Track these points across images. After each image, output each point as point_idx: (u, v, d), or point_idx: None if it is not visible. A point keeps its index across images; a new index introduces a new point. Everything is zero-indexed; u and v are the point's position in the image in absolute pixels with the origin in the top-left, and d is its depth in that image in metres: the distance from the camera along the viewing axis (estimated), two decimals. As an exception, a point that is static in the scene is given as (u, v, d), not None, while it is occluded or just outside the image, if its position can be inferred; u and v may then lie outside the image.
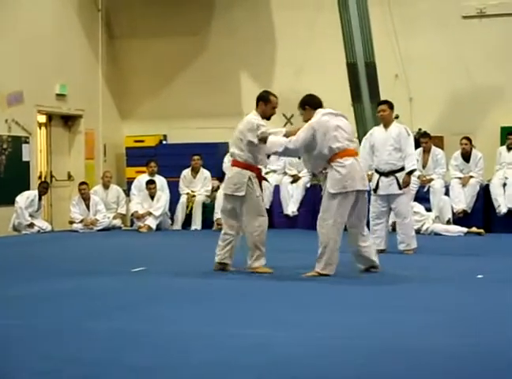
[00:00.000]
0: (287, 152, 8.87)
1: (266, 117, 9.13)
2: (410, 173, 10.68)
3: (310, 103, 8.85)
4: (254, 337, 5.50)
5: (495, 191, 13.97)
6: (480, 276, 8.40)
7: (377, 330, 5.80)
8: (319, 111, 8.67)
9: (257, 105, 9.15)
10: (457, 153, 14.49)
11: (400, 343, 5.37)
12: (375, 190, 10.71)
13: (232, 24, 16.82)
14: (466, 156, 14.39)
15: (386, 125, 10.73)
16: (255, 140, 8.88)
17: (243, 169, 8.92)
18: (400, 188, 10.60)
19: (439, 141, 15.15)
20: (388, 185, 10.63)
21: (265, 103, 9.08)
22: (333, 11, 14.99)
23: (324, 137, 8.47)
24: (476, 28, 15.48)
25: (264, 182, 9.56)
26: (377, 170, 10.75)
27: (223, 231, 9.07)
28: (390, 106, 10.77)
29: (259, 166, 9.04)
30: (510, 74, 15.17)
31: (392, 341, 5.42)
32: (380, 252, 10.16)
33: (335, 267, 8.46)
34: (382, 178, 10.65)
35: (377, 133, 10.85)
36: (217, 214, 14.85)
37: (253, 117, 9.05)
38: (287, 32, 16.53)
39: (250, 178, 8.88)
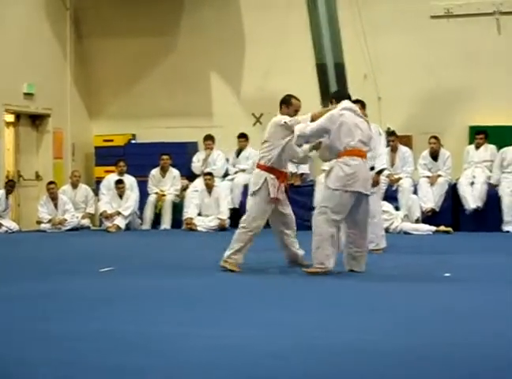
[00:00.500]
0: (299, 140, 8.86)
1: None
2: (380, 172, 10.74)
3: (336, 97, 9.04)
4: (221, 338, 5.49)
5: (463, 190, 14.06)
6: (447, 275, 8.45)
7: (341, 330, 5.82)
8: (342, 103, 8.74)
9: (280, 108, 9.20)
10: (426, 152, 14.59)
11: (364, 343, 5.39)
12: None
13: (201, 24, 16.79)
14: (434, 155, 14.48)
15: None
16: (285, 137, 8.89)
17: (262, 171, 9.02)
18: (372, 186, 10.60)
19: (408, 140, 15.23)
20: None
21: (288, 106, 9.13)
22: (302, 12, 15.02)
23: (339, 130, 8.54)
24: (444, 28, 15.56)
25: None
26: None
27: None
28: (363, 105, 10.76)
29: (283, 170, 9.09)
30: (478, 73, 15.26)
31: (355, 341, 5.43)
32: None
33: (333, 260, 8.48)
34: None
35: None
36: (187, 213, 14.86)
37: (278, 116, 9.13)
38: (256, 33, 16.53)
39: (265, 180, 8.97)
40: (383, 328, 5.85)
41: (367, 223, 8.86)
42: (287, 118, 8.93)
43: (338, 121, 8.54)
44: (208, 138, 15.69)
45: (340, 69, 14.88)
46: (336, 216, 8.51)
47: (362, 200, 8.63)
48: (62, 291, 7.64)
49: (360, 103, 10.81)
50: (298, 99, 9.21)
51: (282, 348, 5.18)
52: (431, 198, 14.09)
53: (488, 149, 14.44)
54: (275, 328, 5.86)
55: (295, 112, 9.09)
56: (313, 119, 8.79)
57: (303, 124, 8.77)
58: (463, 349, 5.16)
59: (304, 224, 14.40)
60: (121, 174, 15.37)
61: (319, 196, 8.69)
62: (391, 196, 14.01)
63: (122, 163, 15.41)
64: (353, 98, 14.71)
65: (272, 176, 8.96)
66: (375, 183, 10.62)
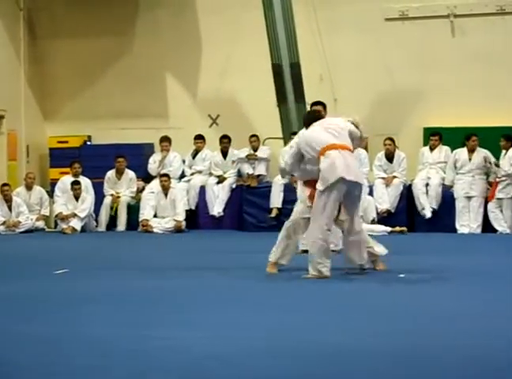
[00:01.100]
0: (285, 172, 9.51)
1: None
2: None
3: (304, 122, 8.96)
4: (173, 339, 5.47)
5: (418, 191, 14.17)
6: (402, 275, 8.49)
7: (300, 331, 5.82)
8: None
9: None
10: (381, 153, 14.68)
11: (324, 343, 5.40)
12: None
13: (157, 25, 16.73)
14: (390, 157, 14.58)
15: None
16: None
17: None
18: None
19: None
20: None
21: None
22: (258, 12, 15.04)
23: (308, 146, 8.51)
24: (399, 30, 15.67)
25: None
26: None
27: None
28: (324, 107, 10.80)
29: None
30: (432, 76, 15.39)
31: (314, 342, 5.45)
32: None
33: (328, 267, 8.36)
34: None
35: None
36: (143, 215, 14.79)
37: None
38: (212, 33, 16.50)
39: None
40: (347, 328, 5.87)
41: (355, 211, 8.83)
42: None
43: (303, 141, 8.57)
44: (165, 140, 15.63)
45: (295, 69, 14.92)
46: (326, 221, 8.45)
47: (351, 188, 8.48)
48: (17, 294, 7.55)
49: (323, 105, 10.88)
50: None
51: (226, 350, 5.17)
52: (386, 199, 14.17)
53: (443, 150, 14.56)
54: (222, 329, 5.86)
55: None
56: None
57: None
58: (429, 348, 5.19)
59: (260, 225, 14.49)
60: (76, 175, 15.24)
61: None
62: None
63: (76, 165, 15.28)
64: (309, 99, 14.93)
65: None
66: None
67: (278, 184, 14.38)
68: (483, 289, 7.74)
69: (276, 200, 14.32)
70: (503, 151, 13.83)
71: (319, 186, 8.32)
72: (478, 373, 4.63)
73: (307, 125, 8.76)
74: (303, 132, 8.77)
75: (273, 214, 14.26)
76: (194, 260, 10.40)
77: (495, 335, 5.57)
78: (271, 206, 14.38)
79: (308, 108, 15.12)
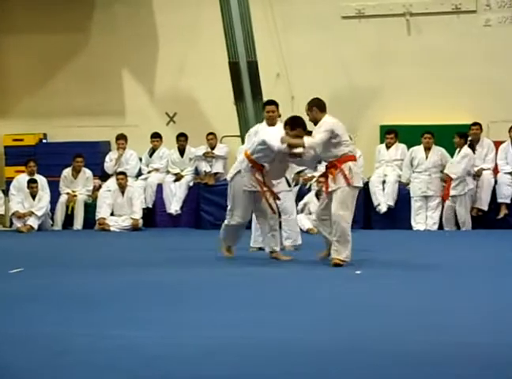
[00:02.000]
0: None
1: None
2: (299, 172, 11.01)
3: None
4: (130, 338, 5.44)
5: (374, 188, 14.25)
6: (358, 272, 8.54)
7: (253, 328, 5.83)
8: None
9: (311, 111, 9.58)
10: (338, 151, 14.69)
11: (278, 340, 5.41)
12: None
13: (113, 21, 16.63)
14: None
15: (273, 125, 10.83)
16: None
17: None
18: (289, 185, 10.84)
19: (320, 140, 15.31)
20: (277, 184, 10.74)
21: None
22: (215, 10, 15.01)
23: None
24: (356, 29, 15.74)
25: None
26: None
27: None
28: (277, 106, 10.86)
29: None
30: (388, 74, 15.48)
31: (271, 340, 5.45)
32: (259, 249, 10.75)
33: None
34: None
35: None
36: (99, 213, 14.70)
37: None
38: (169, 30, 16.45)
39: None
40: (302, 326, 5.88)
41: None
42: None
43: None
44: (121, 138, 15.54)
45: (253, 67, 14.93)
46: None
47: None
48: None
49: (276, 104, 10.93)
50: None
51: (179, 349, 5.16)
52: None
53: (399, 148, 14.65)
54: (175, 327, 5.85)
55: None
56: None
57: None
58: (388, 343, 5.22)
59: (217, 223, 14.45)
60: (31, 174, 15.09)
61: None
62: (304, 194, 14.08)
63: (32, 163, 15.13)
64: (266, 97, 14.94)
65: None
66: (296, 182, 10.99)
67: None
68: (441, 284, 7.80)
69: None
70: (458, 149, 13.94)
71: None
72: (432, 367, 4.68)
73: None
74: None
75: None
76: (150, 258, 10.36)
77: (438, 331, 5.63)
78: (228, 204, 14.30)
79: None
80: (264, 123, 10.94)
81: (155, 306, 6.71)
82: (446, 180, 13.97)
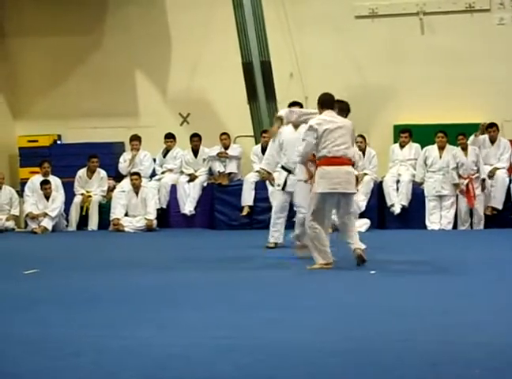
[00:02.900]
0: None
1: None
2: None
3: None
4: (141, 339, 5.45)
5: (388, 188, 14.22)
6: (372, 272, 8.52)
7: (265, 329, 5.83)
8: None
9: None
10: (352, 151, 14.68)
11: (291, 341, 5.41)
12: (283, 187, 11.00)
13: (126, 22, 16.66)
14: (361, 154, 14.60)
15: (297, 126, 10.96)
16: None
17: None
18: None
19: (334, 139, 15.29)
20: (295, 183, 10.87)
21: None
22: (228, 10, 15.03)
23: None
24: (369, 28, 15.72)
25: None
26: (284, 168, 11.05)
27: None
28: (302, 107, 11.13)
29: None
30: (401, 73, 15.45)
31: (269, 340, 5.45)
32: (275, 246, 11.01)
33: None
34: (290, 175, 10.92)
35: (287, 132, 11.03)
36: (114, 214, 14.73)
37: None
38: (182, 31, 16.46)
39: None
40: (318, 326, 5.88)
41: None
42: None
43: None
44: (135, 139, 15.56)
45: (266, 67, 14.94)
46: None
47: None
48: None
49: (299, 105, 11.10)
50: None
51: (190, 349, 5.17)
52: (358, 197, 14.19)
53: (413, 148, 14.61)
54: (187, 328, 5.86)
55: None
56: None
57: None
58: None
59: (231, 223, 14.49)
60: (45, 175, 15.13)
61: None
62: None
63: (46, 164, 15.17)
64: (279, 97, 14.98)
65: None
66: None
67: (249, 182, 14.38)
68: (456, 284, 7.79)
69: (248, 198, 14.32)
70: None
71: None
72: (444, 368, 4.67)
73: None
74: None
75: (245, 212, 14.25)
76: (164, 258, 10.38)
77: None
78: (242, 204, 14.38)
79: (279, 107, 15.23)
80: (290, 125, 11.03)
81: (166, 307, 6.72)
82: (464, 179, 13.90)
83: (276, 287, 7.85)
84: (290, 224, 10.98)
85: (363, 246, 9.00)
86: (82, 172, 15.44)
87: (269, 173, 11.33)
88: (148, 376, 4.62)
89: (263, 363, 4.83)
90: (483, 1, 15.34)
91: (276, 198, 11.35)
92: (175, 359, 4.91)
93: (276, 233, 11.15)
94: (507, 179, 13.88)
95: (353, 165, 9.34)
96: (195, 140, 15.32)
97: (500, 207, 13.80)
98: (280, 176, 11.15)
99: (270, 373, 4.66)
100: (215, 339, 5.42)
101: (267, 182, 13.93)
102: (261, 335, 5.59)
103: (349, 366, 4.77)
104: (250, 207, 14.27)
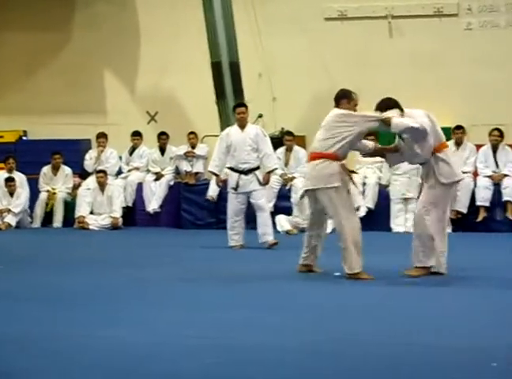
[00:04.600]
0: (417, 132, 8.34)
1: None
2: (271, 171, 11.36)
3: (394, 108, 8.63)
4: (119, 338, 5.43)
5: (355, 190, 14.24)
6: (337, 274, 8.54)
7: (233, 330, 5.83)
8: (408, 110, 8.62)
9: (338, 104, 8.64)
10: (319, 152, 14.71)
11: (253, 341, 5.41)
12: (235, 189, 11.02)
13: (96, 20, 16.57)
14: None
15: (243, 126, 11.10)
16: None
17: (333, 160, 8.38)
18: (260, 184, 11.15)
19: (301, 141, 15.34)
20: (249, 183, 11.10)
21: (349, 101, 8.63)
22: (198, 10, 15.00)
23: (436, 126, 8.56)
24: (338, 30, 15.76)
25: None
26: (234, 169, 11.08)
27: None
28: (247, 108, 11.27)
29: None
30: (370, 76, 15.48)
31: (243, 340, 5.45)
32: (241, 247, 10.99)
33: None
34: (242, 176, 10.97)
35: (234, 133, 11.14)
36: (79, 212, 14.65)
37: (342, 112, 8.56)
38: (152, 29, 16.42)
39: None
40: (282, 327, 5.88)
41: None
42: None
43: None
44: (101, 136, 15.49)
45: (235, 67, 14.95)
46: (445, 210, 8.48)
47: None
48: None
49: (246, 107, 11.24)
50: (355, 93, 8.84)
51: (162, 349, 5.15)
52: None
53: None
54: (157, 327, 5.84)
55: (355, 107, 8.69)
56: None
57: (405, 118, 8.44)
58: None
59: (197, 223, 14.46)
60: (10, 171, 15.02)
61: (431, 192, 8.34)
62: (285, 195, 14.11)
63: (11, 160, 15.05)
64: (248, 97, 14.95)
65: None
66: (266, 182, 11.29)
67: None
68: (420, 286, 7.83)
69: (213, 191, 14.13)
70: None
71: (443, 179, 8.30)
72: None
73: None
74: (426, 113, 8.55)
75: (210, 197, 14.04)
76: (130, 257, 10.35)
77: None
78: (209, 194, 14.17)
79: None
80: (235, 126, 11.27)
81: (133, 306, 6.70)
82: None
83: (244, 285, 7.84)
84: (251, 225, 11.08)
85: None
86: (47, 169, 15.35)
87: (217, 175, 11.35)
88: (126, 375, 4.60)
89: (228, 363, 4.82)
90: (451, 6, 15.45)
91: (231, 202, 11.25)
92: (152, 358, 4.89)
93: (235, 236, 11.09)
94: (472, 183, 13.98)
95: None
96: (163, 138, 15.29)
97: (465, 211, 13.89)
98: (231, 179, 11.15)
99: (235, 372, 4.66)
100: (182, 338, 5.41)
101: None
102: (228, 334, 5.58)
103: (317, 366, 4.78)
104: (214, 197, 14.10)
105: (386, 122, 8.34)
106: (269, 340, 5.36)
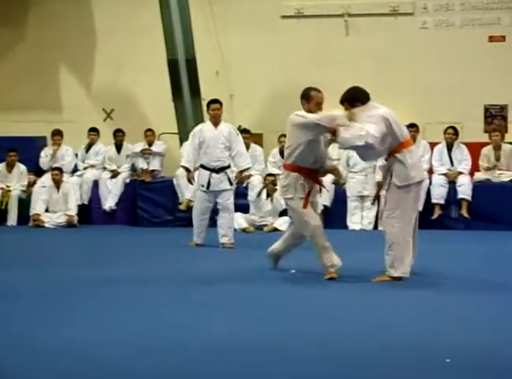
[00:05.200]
0: (363, 149, 7.78)
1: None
2: (245, 170, 11.37)
3: (360, 99, 8.09)
4: (65, 337, 5.39)
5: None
6: (292, 271, 8.55)
7: (179, 327, 5.82)
8: (373, 104, 8.08)
9: (301, 103, 8.26)
10: (275, 150, 14.77)
11: (203, 339, 5.40)
12: (207, 187, 10.91)
13: (51, 16, 16.44)
14: (284, 153, 14.65)
15: (217, 124, 10.99)
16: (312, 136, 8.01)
17: (291, 171, 8.16)
18: (230, 184, 11.03)
19: (258, 138, 15.38)
20: (219, 182, 10.97)
21: (308, 101, 8.18)
22: (155, 7, 14.96)
23: (393, 127, 7.92)
24: (294, 28, 15.82)
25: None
26: (205, 167, 10.96)
27: None
28: (221, 104, 11.11)
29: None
30: (326, 74, 15.50)
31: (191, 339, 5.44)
32: (200, 246, 10.88)
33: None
34: (213, 174, 10.89)
35: (207, 130, 11.01)
36: (34, 209, 14.51)
37: (295, 113, 8.18)
38: (108, 26, 16.34)
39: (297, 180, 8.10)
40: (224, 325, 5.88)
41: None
42: (310, 116, 8.04)
43: (392, 118, 7.98)
44: (57, 133, 15.36)
45: (191, 65, 14.93)
46: (408, 214, 7.92)
47: (419, 188, 8.21)
48: None
49: (220, 103, 11.07)
50: (319, 91, 8.27)
51: (103, 350, 5.14)
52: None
53: (336, 148, 14.69)
54: (100, 327, 5.81)
55: (318, 105, 8.20)
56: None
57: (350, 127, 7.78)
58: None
59: (153, 220, 14.40)
60: (-38, 168, 14.86)
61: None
62: (241, 193, 14.10)
63: (-35, 158, 14.89)
64: (205, 95, 14.91)
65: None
66: (241, 181, 11.64)
67: (181, 176, 14.24)
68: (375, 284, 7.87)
69: (186, 192, 14.06)
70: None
71: (398, 182, 7.82)
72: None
73: (364, 101, 8.09)
74: (384, 109, 8.05)
75: (183, 206, 14.01)
76: (84, 255, 10.28)
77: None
78: (183, 199, 14.10)
79: (204, 104, 15.20)
80: (208, 122, 11.15)
81: (85, 305, 6.64)
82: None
83: (197, 284, 7.82)
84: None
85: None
86: (2, 166, 15.19)
87: (190, 171, 11.12)
88: (71, 375, 4.57)
89: (178, 362, 4.81)
90: (406, 5, 15.57)
91: (199, 199, 11.10)
92: (92, 357, 4.86)
93: (202, 234, 10.99)
94: (427, 181, 14.08)
95: None
96: (119, 134, 15.20)
97: (420, 208, 13.97)
98: (201, 176, 11.00)
99: (185, 371, 4.65)
100: (132, 337, 5.38)
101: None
102: (178, 333, 5.56)
103: (264, 364, 4.79)
104: (190, 200, 14.03)
105: (333, 133, 7.91)
106: (218, 340, 5.34)
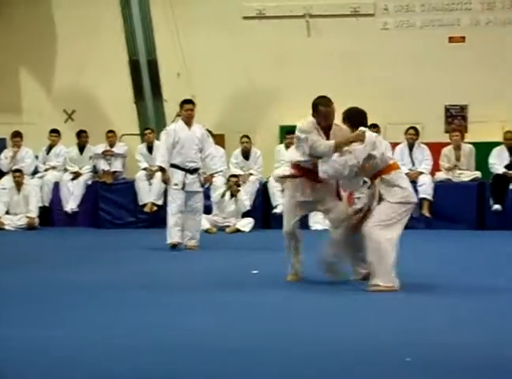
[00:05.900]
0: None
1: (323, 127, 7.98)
2: (216, 173, 11.42)
3: (354, 121, 7.97)
4: (41, 339, 5.35)
5: (273, 189, 14.32)
6: (255, 272, 8.55)
7: (160, 328, 5.81)
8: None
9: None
10: (238, 151, 14.77)
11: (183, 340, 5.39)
12: (183, 187, 10.82)
13: (10, 18, 16.31)
14: (246, 154, 14.69)
15: (190, 124, 10.93)
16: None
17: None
18: (202, 185, 11.04)
19: (220, 139, 15.35)
20: (192, 183, 10.93)
21: (317, 114, 8.04)
22: (116, 8, 14.92)
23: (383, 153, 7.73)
24: (256, 29, 15.83)
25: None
26: (179, 167, 10.86)
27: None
28: (194, 105, 11.07)
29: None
30: (288, 75, 15.60)
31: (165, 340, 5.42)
32: (178, 244, 10.77)
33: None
34: (188, 175, 10.84)
35: (181, 130, 10.93)
36: (-6, 212, 14.39)
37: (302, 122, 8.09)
38: (68, 27, 16.25)
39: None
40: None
41: None
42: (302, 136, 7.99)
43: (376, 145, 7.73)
44: (16, 135, 15.22)
45: (153, 66, 14.91)
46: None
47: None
48: None
49: (193, 104, 11.01)
50: (327, 104, 8.03)
51: (85, 350, 5.10)
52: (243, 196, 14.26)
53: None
54: (80, 328, 5.77)
55: (326, 120, 8.03)
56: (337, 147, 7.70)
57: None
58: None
59: (115, 222, 14.33)
60: None
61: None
62: (204, 194, 14.06)
63: None
64: (166, 96, 14.91)
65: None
66: (210, 183, 11.45)
67: (142, 179, 14.20)
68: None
69: (146, 195, 14.01)
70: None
71: (396, 199, 7.54)
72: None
73: (357, 125, 7.94)
74: (375, 135, 7.96)
75: (148, 209, 13.93)
76: (46, 257, 10.20)
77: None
78: (143, 202, 14.05)
79: (165, 105, 15.19)
80: (180, 122, 11.06)
81: (56, 307, 6.60)
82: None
83: (164, 286, 7.79)
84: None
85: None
86: (-39, 168, 15.04)
87: (165, 171, 10.97)
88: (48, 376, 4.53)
89: (156, 362, 4.80)
90: (367, 6, 15.65)
91: (175, 198, 10.90)
92: (71, 359, 4.83)
93: (179, 232, 10.84)
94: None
95: None
96: (83, 135, 15.09)
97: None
98: (175, 175, 10.89)
99: (163, 372, 4.64)
100: (111, 339, 5.36)
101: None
102: (156, 334, 5.54)
103: (246, 364, 4.79)
104: (153, 203, 14.00)
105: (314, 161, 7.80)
106: (193, 341, 5.34)
